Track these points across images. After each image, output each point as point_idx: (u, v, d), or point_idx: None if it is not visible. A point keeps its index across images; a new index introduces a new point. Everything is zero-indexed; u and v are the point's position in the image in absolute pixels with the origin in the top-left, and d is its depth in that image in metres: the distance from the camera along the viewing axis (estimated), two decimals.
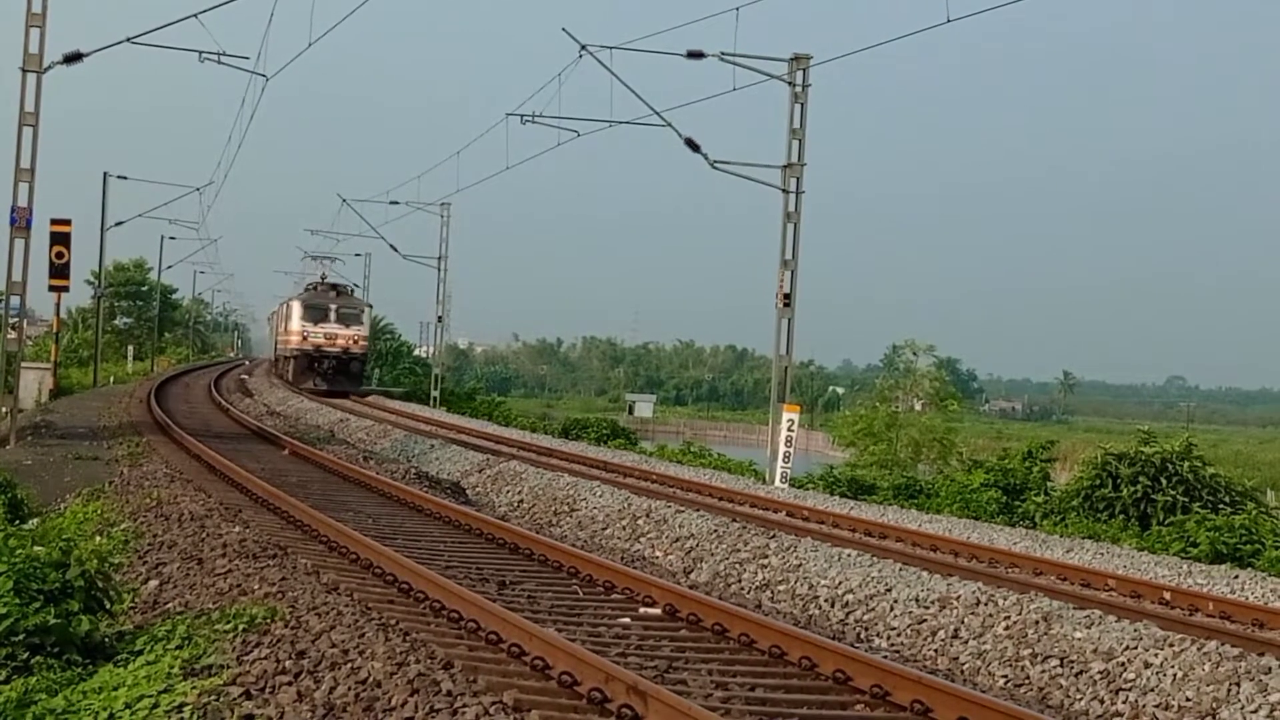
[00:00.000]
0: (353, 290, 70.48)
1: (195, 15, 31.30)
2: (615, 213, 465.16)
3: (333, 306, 64.19)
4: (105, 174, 69.30)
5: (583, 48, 33.47)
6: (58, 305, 57.45)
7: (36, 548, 12.41)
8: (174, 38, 31.98)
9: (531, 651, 10.69)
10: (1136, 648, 12.43)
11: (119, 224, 72.24)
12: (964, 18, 27.28)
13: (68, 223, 38.72)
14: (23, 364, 35.42)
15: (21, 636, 11.27)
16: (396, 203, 70.26)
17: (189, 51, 32.48)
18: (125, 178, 71.13)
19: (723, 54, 33.19)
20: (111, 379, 70.39)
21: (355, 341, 64.35)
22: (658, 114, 34.48)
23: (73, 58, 30.53)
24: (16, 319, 33.50)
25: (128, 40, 31.93)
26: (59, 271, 38.24)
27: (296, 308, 64.87)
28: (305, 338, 62.99)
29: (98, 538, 16.64)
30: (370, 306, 66.10)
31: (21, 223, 30.03)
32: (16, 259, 30.46)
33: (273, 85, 37.21)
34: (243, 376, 79.48)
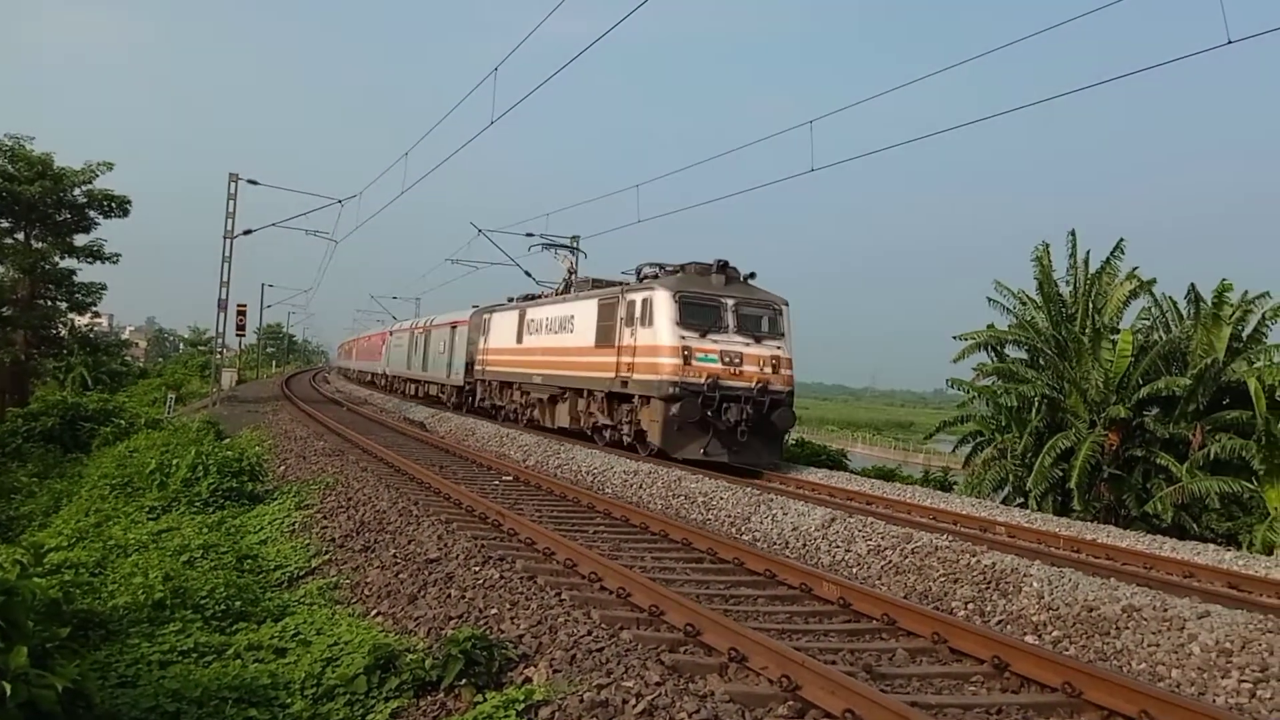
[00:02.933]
0: (748, 278, 13.63)
1: (305, 214, 30.51)
2: None
3: (729, 302, 12.83)
4: (263, 284, 65.46)
5: (479, 231, 32.47)
6: (240, 342, 54.47)
7: (227, 452, 11.95)
8: (297, 222, 30.39)
9: (454, 497, 10.60)
10: (717, 491, 12.52)
11: (269, 306, 68.59)
12: (650, 219, 27.83)
13: (244, 305, 36.55)
14: (222, 368, 33.60)
15: (220, 492, 10.90)
16: (395, 298, 66.72)
17: (301, 230, 31.12)
18: (273, 285, 68.74)
19: (541, 235, 32.76)
20: (265, 376, 66.10)
21: (776, 368, 12.72)
22: (513, 260, 33.13)
23: (247, 231, 28.83)
24: (220, 349, 32.59)
25: (273, 224, 30.39)
26: (240, 328, 35.85)
27: (664, 302, 12.58)
28: (687, 360, 12.40)
29: (256, 447, 15.87)
30: (787, 304, 13.03)
31: (221, 308, 28.82)
32: (220, 323, 29.45)
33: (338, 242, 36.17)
34: (326, 376, 75.29)
